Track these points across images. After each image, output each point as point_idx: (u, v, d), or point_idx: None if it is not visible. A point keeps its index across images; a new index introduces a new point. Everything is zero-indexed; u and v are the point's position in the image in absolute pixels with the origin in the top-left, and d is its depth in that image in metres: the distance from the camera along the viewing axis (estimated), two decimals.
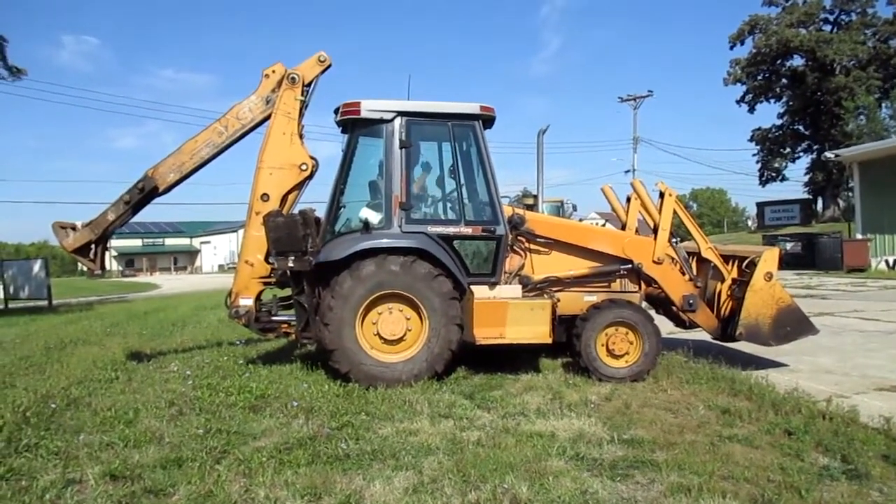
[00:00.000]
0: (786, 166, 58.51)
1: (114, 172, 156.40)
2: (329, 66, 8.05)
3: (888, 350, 8.34)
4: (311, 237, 7.28)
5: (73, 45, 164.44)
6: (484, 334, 7.20)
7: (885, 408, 5.93)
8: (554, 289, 7.89)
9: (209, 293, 28.47)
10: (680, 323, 8.60)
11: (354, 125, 7.68)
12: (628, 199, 8.51)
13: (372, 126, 7.58)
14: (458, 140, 7.75)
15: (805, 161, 57.43)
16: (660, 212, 8.13)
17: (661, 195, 8.19)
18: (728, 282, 8.19)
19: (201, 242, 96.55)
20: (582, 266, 8.04)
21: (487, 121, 7.85)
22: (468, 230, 7.53)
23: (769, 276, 7.72)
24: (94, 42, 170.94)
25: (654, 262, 7.98)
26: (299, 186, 7.94)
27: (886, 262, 25.51)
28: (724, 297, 8.20)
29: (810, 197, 56.69)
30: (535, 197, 8.35)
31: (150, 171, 8.10)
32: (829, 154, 30.52)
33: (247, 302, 7.85)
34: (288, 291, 8.10)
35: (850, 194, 33.39)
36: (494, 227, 7.54)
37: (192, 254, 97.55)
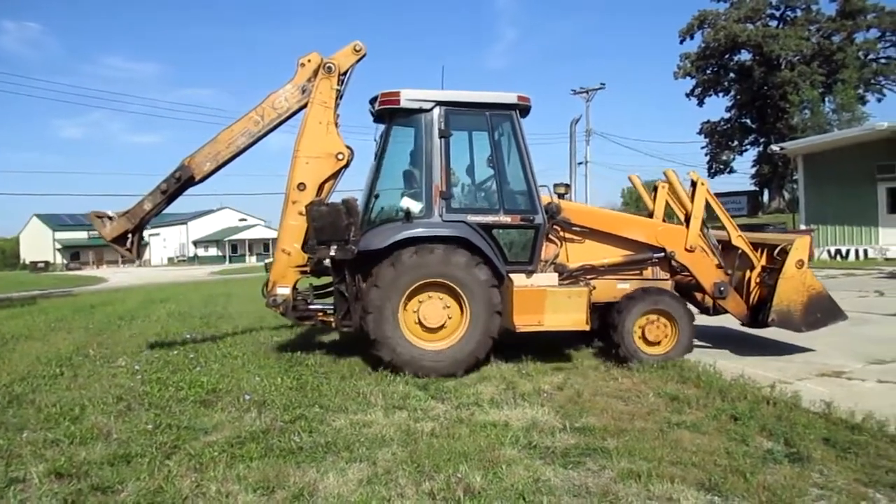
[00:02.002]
0: (733, 159, 59.89)
1: (61, 163, 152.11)
2: (364, 56, 7.99)
3: (829, 337, 8.62)
4: (353, 226, 7.23)
5: (16, 31, 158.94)
6: (523, 321, 7.33)
7: (826, 393, 6.13)
8: (588, 276, 7.98)
9: (159, 286, 27.95)
10: (704, 310, 8.72)
11: (392, 115, 7.72)
12: (655, 188, 8.62)
13: (410, 116, 7.63)
14: (495, 129, 7.81)
15: (752, 154, 58.88)
16: (692, 201, 8.24)
17: (693, 184, 8.32)
18: (758, 269, 8.34)
19: (150, 235, 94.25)
20: (615, 254, 8.15)
21: (524, 110, 7.92)
22: (507, 219, 7.59)
23: (801, 264, 7.90)
24: (37, 28, 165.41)
25: (686, 249, 8.10)
26: (335, 175, 7.89)
27: (829, 251, 26.35)
28: (753, 284, 8.36)
29: (757, 189, 58.10)
30: (568, 186, 8.40)
31: (187, 160, 8.04)
32: (774, 147, 31.29)
33: (284, 291, 7.81)
34: (322, 280, 8.18)
35: (795, 186, 34.33)
36: (533, 216, 7.61)
37: (141, 247, 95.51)
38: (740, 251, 8.36)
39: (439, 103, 7.52)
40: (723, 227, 8.43)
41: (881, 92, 52.82)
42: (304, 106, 7.87)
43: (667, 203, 8.59)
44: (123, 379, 7.35)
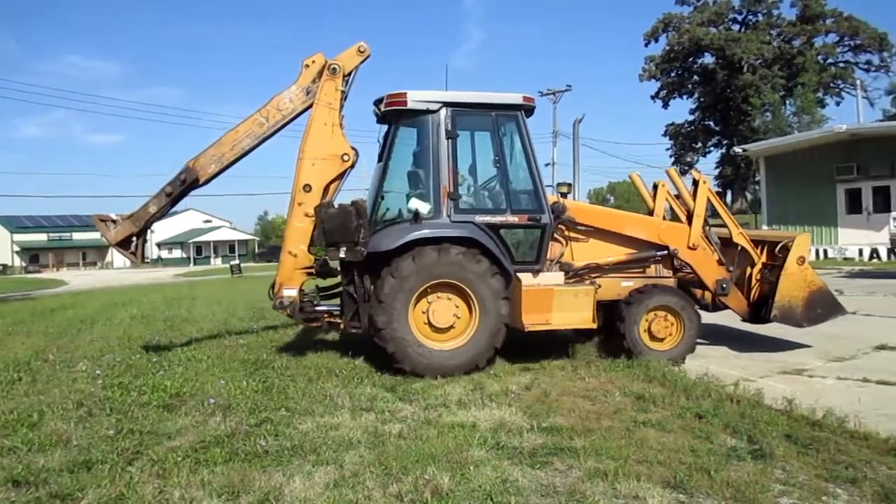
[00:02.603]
0: (697, 160, 60.83)
1: (20, 163, 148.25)
2: (368, 57, 7.96)
3: (791, 336, 8.79)
4: (363, 227, 7.22)
5: None
6: (531, 320, 7.42)
7: (788, 390, 6.24)
8: (593, 275, 8.06)
9: (121, 289, 27.47)
10: (703, 307, 8.76)
11: (398, 116, 7.74)
12: (655, 187, 8.70)
13: (416, 117, 7.65)
14: (501, 130, 7.85)
15: (715, 155, 59.88)
16: (694, 199, 8.34)
17: (696, 183, 8.42)
18: (758, 266, 8.47)
19: None
20: (619, 252, 8.24)
21: (529, 110, 7.99)
22: (514, 219, 7.63)
23: (802, 260, 8.05)
24: None
25: (689, 247, 8.21)
26: (341, 177, 7.85)
27: None
28: (754, 280, 8.49)
29: (720, 189, 58.97)
30: (570, 185, 8.46)
31: (191, 162, 7.96)
32: (737, 149, 31.85)
33: (291, 293, 7.76)
34: (327, 282, 8.23)
35: (757, 187, 34.93)
36: (539, 216, 7.65)
37: (103, 249, 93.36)
38: (740, 248, 8.49)
39: (446, 104, 7.55)
40: (723, 225, 8.57)
41: (840, 95, 54.19)
42: (309, 107, 7.85)
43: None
44: (84, 384, 7.19)
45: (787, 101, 46.55)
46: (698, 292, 8.61)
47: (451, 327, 7.36)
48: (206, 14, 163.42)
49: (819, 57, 52.59)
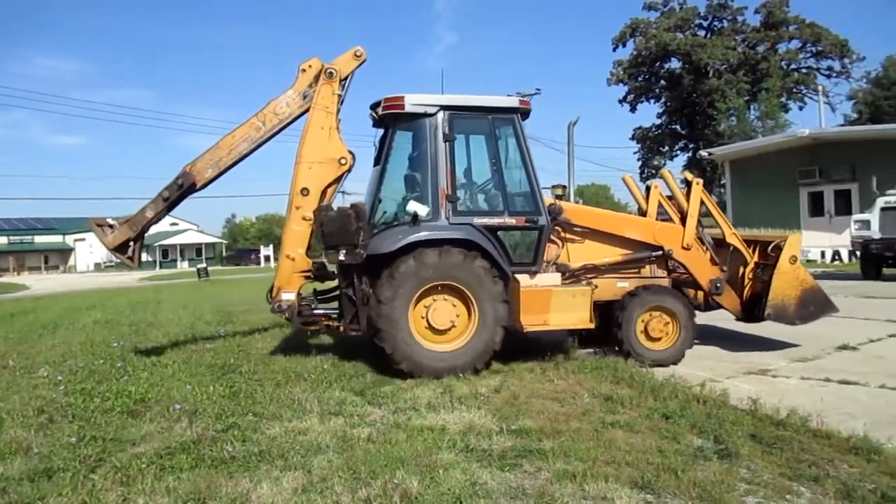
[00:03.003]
0: (664, 164, 61.36)
1: None
2: (364, 61, 8.05)
3: (759, 336, 8.94)
4: (363, 230, 7.23)
5: None
6: (530, 321, 7.50)
7: (753, 390, 6.32)
8: (589, 276, 8.14)
9: (85, 293, 26.98)
10: (696, 306, 8.81)
11: (395, 119, 7.79)
12: (647, 189, 8.81)
13: (414, 120, 7.71)
14: (498, 133, 7.92)
15: (682, 159, 60.52)
16: (687, 200, 8.45)
17: (689, 184, 8.52)
18: (751, 265, 8.59)
19: (76, 240, 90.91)
20: (614, 253, 8.33)
21: (524, 113, 8.07)
22: (512, 221, 7.70)
23: (794, 259, 8.17)
24: None
25: (683, 248, 8.32)
26: (338, 180, 7.91)
27: None
28: (746, 280, 8.60)
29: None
30: (565, 187, 8.56)
31: (188, 167, 7.97)
32: (703, 153, 32.36)
33: (289, 296, 7.76)
34: (324, 285, 8.31)
35: (723, 190, 35.47)
36: (537, 218, 7.73)
37: (66, 252, 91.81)
38: (732, 248, 8.62)
39: (443, 108, 7.62)
40: (715, 226, 8.72)
41: (802, 100, 55.19)
42: (306, 111, 7.89)
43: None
44: (45, 390, 7.05)
45: (752, 106, 47.36)
46: (691, 292, 8.75)
47: (451, 328, 7.40)
48: (174, 14, 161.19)
49: (782, 63, 53.54)
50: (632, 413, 5.73)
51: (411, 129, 7.94)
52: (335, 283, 8.15)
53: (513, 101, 7.94)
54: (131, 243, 8.16)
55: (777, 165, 27.31)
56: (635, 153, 61.27)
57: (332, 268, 7.91)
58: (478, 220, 7.58)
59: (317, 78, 7.86)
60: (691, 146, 56.49)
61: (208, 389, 6.75)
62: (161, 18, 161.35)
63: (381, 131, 8.28)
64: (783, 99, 51.02)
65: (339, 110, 7.95)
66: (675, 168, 57.39)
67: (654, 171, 60.46)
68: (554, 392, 6.56)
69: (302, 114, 7.96)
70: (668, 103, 57.73)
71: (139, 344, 10.12)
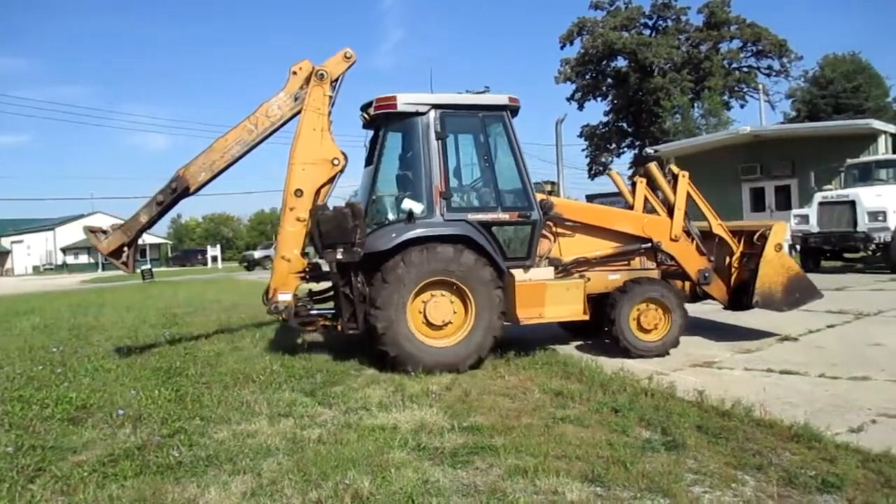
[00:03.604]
0: (612, 161, 62.27)
1: None
2: (354, 62, 8.11)
3: (704, 329, 9.14)
4: (359, 229, 7.22)
5: None
6: (526, 314, 7.67)
7: (699, 382, 6.47)
8: (580, 269, 8.29)
9: (23, 297, 26.08)
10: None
11: (387, 119, 7.88)
12: (633, 183, 9.01)
13: (406, 119, 7.79)
14: (489, 130, 8.04)
15: (628, 156, 61.50)
16: (674, 193, 8.60)
17: (675, 177, 8.67)
18: (737, 255, 8.76)
19: (12, 242, 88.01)
20: (604, 246, 8.50)
21: (514, 110, 8.18)
22: (505, 216, 7.80)
23: (779, 247, 8.36)
24: None
25: (671, 239, 8.50)
26: (331, 181, 7.95)
27: None
28: (733, 269, 8.77)
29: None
30: (554, 184, 8.71)
31: (182, 170, 7.98)
32: (649, 149, 32.91)
33: (286, 297, 7.78)
34: (320, 286, 8.41)
35: None
36: (529, 213, 7.84)
37: (2, 255, 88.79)
38: (718, 238, 8.79)
39: (434, 106, 7.70)
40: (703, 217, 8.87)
41: (744, 98, 56.57)
42: (298, 113, 7.90)
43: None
44: None
45: (696, 104, 48.29)
46: (678, 283, 8.92)
47: (449, 324, 7.47)
48: (120, 8, 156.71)
49: (724, 62, 54.78)
50: (582, 407, 5.80)
51: (403, 129, 8.03)
52: (329, 283, 8.17)
53: (502, 99, 8.03)
54: (126, 248, 8.14)
55: (720, 162, 27.95)
56: (583, 150, 62.04)
57: (326, 268, 7.91)
58: (472, 216, 7.69)
59: (307, 80, 7.91)
60: (637, 143, 57.42)
61: (153, 394, 6.58)
62: (110, 13, 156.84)
63: (370, 132, 8.41)
64: (725, 97, 52.23)
65: (330, 112, 8.01)
66: (622, 165, 58.28)
67: (601, 168, 61.33)
68: (505, 388, 6.59)
69: (293, 116, 8.01)
70: (615, 101, 58.55)
71: (80, 348, 9.82)
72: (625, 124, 59.80)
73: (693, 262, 8.66)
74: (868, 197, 16.90)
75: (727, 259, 8.95)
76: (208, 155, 8.03)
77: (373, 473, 4.35)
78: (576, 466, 4.42)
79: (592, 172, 61.73)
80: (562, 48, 58.68)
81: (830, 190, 18.70)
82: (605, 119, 60.51)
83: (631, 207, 9.01)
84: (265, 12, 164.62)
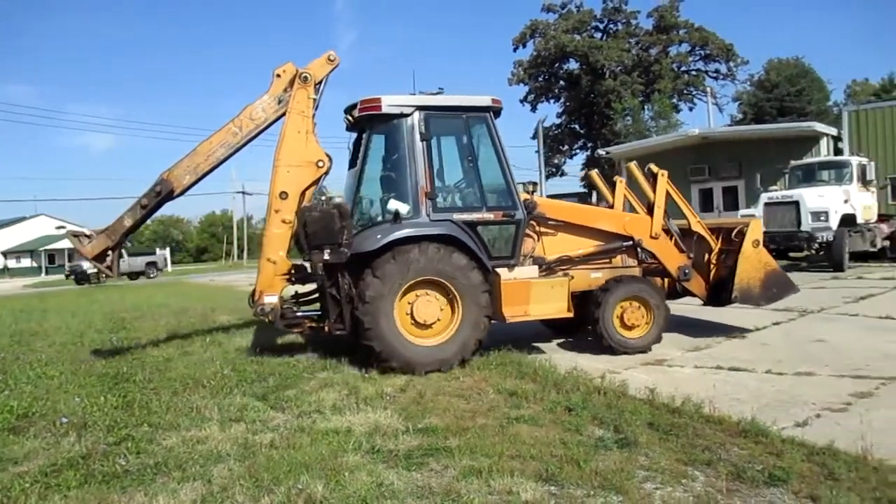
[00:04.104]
0: (564, 162, 62.96)
1: None
2: (337, 65, 8.13)
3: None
4: (346, 229, 7.26)
5: None
6: (511, 313, 7.77)
7: (650, 380, 6.56)
8: (564, 267, 8.37)
9: None
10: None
11: (372, 121, 7.88)
12: (613, 183, 9.16)
13: (390, 121, 7.79)
14: (473, 131, 8.10)
15: (581, 157, 62.22)
16: (654, 191, 8.70)
17: (654, 176, 8.76)
18: (716, 252, 8.89)
19: None
20: (587, 245, 8.59)
21: (497, 112, 8.25)
22: (490, 216, 7.87)
23: (756, 244, 8.49)
24: None
25: (651, 237, 8.60)
26: (316, 183, 7.94)
27: None
28: (712, 266, 8.90)
29: (586, 190, 61.19)
30: (535, 184, 8.73)
31: (166, 173, 7.95)
32: (601, 151, 33.36)
33: (272, 299, 7.77)
34: (305, 288, 8.41)
35: None
36: (514, 212, 7.92)
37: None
38: (697, 236, 8.94)
39: (419, 108, 7.74)
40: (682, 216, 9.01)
41: (692, 101, 57.78)
42: (282, 116, 7.88)
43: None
44: None
45: (646, 106, 49.11)
46: (658, 280, 9.02)
47: (436, 322, 7.50)
48: (62, 6, 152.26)
49: (674, 65, 55.81)
50: (536, 407, 5.83)
51: (388, 130, 8.02)
52: (315, 285, 8.13)
53: (485, 101, 8.09)
54: (109, 252, 8.05)
55: (670, 163, 27.84)
56: (536, 151, 62.49)
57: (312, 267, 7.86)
58: (457, 216, 7.74)
59: (291, 83, 7.89)
60: (590, 145, 58.12)
61: (99, 400, 6.42)
62: (54, 12, 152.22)
63: (354, 134, 8.42)
64: (675, 100, 53.30)
65: (314, 114, 8.00)
66: (574, 167, 58.90)
67: (554, 170, 61.96)
68: (460, 389, 6.58)
69: (278, 118, 8.01)
70: (568, 103, 59.16)
71: (22, 355, 9.53)
72: (577, 126, 60.45)
73: (673, 259, 8.83)
74: (811, 197, 17.39)
75: (706, 256, 9.13)
76: (192, 158, 7.96)
77: (326, 477, 4.30)
78: (530, 466, 4.44)
79: (545, 173, 62.20)
80: (514, 50, 59.09)
81: (775, 191, 19.18)
82: (557, 121, 61.14)
83: (611, 206, 9.15)
84: (215, 14, 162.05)
